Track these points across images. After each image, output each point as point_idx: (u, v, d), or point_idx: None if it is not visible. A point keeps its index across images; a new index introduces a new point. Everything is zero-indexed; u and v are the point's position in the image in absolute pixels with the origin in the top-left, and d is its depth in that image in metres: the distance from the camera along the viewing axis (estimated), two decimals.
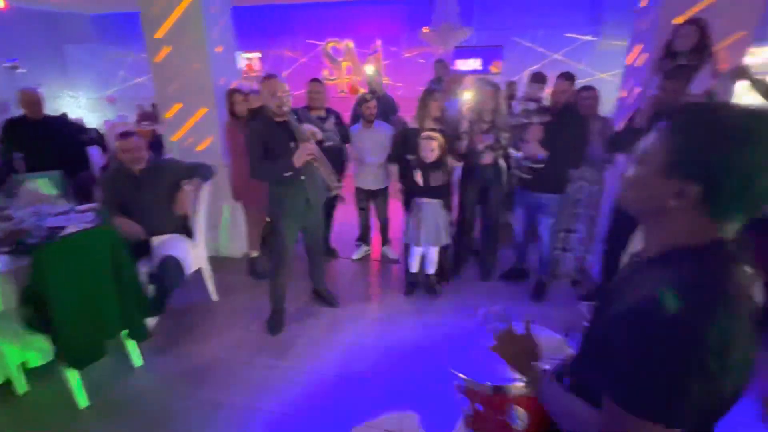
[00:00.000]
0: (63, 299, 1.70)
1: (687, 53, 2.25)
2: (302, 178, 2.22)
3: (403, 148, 2.74)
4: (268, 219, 2.78)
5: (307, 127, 2.17)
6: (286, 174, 2.13)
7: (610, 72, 6.07)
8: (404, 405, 1.87)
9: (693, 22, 2.24)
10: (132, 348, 2.13)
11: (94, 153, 4.19)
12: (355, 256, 3.42)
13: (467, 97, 2.86)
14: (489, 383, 0.93)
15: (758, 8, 2.36)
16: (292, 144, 2.14)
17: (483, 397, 0.94)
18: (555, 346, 1.02)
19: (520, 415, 0.89)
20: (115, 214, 2.32)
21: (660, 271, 0.64)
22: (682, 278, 0.60)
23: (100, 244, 1.89)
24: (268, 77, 2.13)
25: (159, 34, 2.98)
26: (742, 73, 2.44)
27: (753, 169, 0.57)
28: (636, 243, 2.48)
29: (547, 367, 0.88)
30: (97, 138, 4.52)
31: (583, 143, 2.46)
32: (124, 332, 2.02)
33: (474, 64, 6.69)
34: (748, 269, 0.62)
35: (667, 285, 0.59)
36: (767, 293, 0.67)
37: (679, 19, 2.39)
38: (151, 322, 2.35)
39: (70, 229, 2.07)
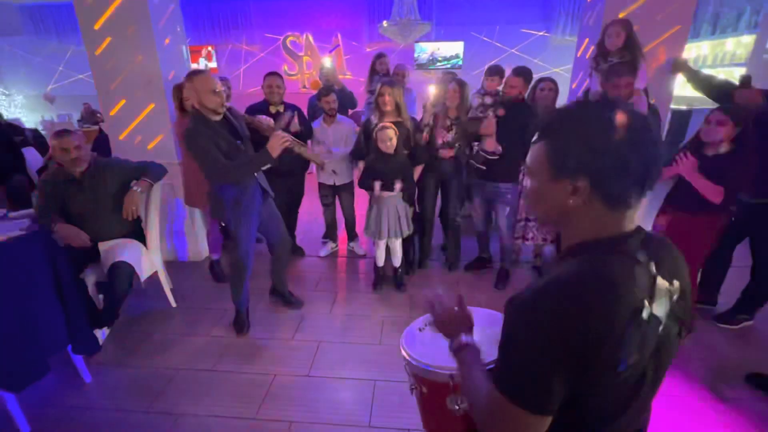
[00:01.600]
0: None
1: (617, 52, 2.36)
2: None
3: (366, 144, 2.71)
4: (222, 224, 2.56)
5: (263, 119, 2.10)
6: (265, 167, 2.07)
7: (563, 66, 6.34)
8: (377, 401, 1.86)
9: (618, 22, 2.34)
10: (80, 362, 1.98)
11: (31, 155, 3.85)
12: (322, 254, 3.37)
13: (433, 91, 2.86)
14: (443, 371, 0.95)
15: (690, 3, 2.53)
16: (239, 142, 2.05)
17: (429, 382, 0.95)
18: (496, 320, 1.05)
19: (461, 400, 0.92)
20: (55, 220, 2.15)
21: (556, 267, 0.65)
22: (563, 272, 0.61)
23: (37, 252, 1.74)
24: (198, 73, 1.94)
25: (98, 24, 2.77)
26: (680, 65, 2.62)
27: (624, 148, 0.59)
28: None
29: (468, 339, 0.84)
30: (34, 139, 4.19)
31: (532, 135, 2.52)
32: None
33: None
34: (652, 270, 0.62)
35: (546, 279, 0.60)
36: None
37: (623, 13, 2.52)
38: (102, 333, 2.21)
39: (3, 236, 1.88)
